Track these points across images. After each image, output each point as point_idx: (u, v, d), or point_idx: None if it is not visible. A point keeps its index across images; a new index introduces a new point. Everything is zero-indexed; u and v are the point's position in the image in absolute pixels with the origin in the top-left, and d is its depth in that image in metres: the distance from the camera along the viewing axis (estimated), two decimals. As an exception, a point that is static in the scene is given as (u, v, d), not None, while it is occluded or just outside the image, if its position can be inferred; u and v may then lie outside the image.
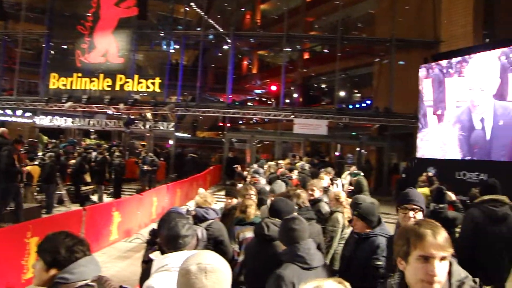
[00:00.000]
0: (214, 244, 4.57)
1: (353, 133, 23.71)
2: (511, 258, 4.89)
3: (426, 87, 16.78)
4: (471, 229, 4.83)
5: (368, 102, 25.47)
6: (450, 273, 1.88)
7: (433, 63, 16.80)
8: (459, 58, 15.34)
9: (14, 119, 24.98)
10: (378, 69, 23.26)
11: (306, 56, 32.20)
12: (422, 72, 17.05)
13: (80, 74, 21.82)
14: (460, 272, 1.88)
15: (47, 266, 2.20)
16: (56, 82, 21.95)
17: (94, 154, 17.17)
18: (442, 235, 1.88)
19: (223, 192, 12.30)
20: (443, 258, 1.85)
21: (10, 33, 23.84)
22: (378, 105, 20.70)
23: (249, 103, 30.59)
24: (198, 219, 4.74)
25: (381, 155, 21.61)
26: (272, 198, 5.20)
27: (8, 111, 24.01)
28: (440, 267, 1.84)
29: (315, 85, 34.31)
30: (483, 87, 14.32)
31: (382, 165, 20.65)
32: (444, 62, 15.82)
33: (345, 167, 16.92)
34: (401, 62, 21.18)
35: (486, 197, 4.93)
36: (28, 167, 12.30)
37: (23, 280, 6.43)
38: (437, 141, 16.27)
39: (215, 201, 5.31)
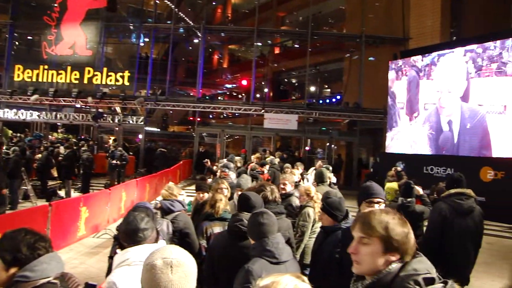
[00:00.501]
0: (180, 236, 4.55)
1: (323, 128, 23.90)
2: (476, 251, 5.02)
3: (398, 88, 17.06)
4: (439, 223, 4.92)
5: (338, 97, 25.72)
6: (403, 267, 1.90)
7: (399, 61, 17.11)
8: (428, 61, 15.69)
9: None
10: (348, 65, 23.49)
11: (277, 51, 32.27)
12: (391, 74, 17.34)
13: (46, 66, 21.33)
14: (417, 268, 1.87)
15: (6, 265, 2.12)
16: (21, 74, 21.39)
17: (62, 148, 16.84)
18: (369, 219, 1.94)
19: (193, 187, 12.25)
20: (362, 239, 1.93)
21: (-31, 22, 23.09)
22: (348, 101, 20.92)
23: (219, 98, 30.46)
24: (164, 211, 4.70)
25: (350, 150, 21.88)
26: (239, 193, 5.20)
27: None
28: (358, 247, 1.94)
29: (286, 80, 34.45)
30: (451, 89, 14.68)
31: (351, 160, 20.90)
32: (419, 64, 16.08)
33: (315, 162, 17.09)
34: (371, 58, 21.46)
35: (452, 190, 5.02)
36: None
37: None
38: (407, 140, 16.59)
39: (182, 194, 5.25)
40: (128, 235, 2.70)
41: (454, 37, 18.33)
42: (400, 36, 19.48)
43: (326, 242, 3.87)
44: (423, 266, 1.88)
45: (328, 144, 22.11)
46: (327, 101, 27.14)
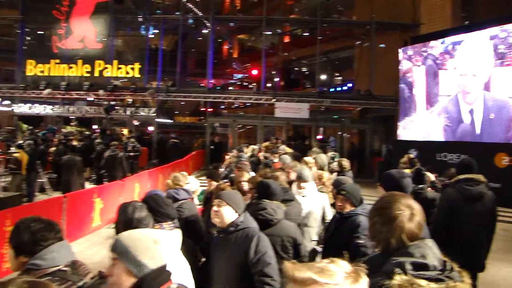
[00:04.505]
0: (186, 225, 4.57)
1: (335, 116, 23.82)
2: (489, 237, 4.92)
3: (414, 77, 16.74)
4: (446, 209, 4.85)
5: (350, 85, 25.56)
6: (397, 250, 1.95)
7: (410, 48, 16.87)
8: (442, 49, 15.31)
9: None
10: (359, 52, 23.29)
11: (286, 39, 32.10)
12: (406, 62, 17.01)
13: (58, 61, 21.52)
14: (411, 252, 1.89)
15: (15, 253, 2.20)
16: (33, 68, 21.62)
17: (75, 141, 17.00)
18: None
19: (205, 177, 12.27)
20: None
21: (-19, 19, 23.34)
22: (359, 88, 20.78)
23: (230, 88, 30.43)
24: None
25: (363, 138, 21.78)
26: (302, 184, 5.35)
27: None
28: None
29: (296, 68, 34.25)
30: (470, 79, 14.24)
31: (364, 148, 20.80)
32: (436, 52, 15.72)
33: (327, 151, 17.07)
34: (381, 45, 21.24)
35: (462, 176, 4.93)
36: (16, 154, 12.22)
37: (4, 268, 6.38)
38: (421, 130, 16.34)
39: (188, 183, 5.28)
40: (125, 226, 2.72)
41: (466, 22, 18.08)
42: (410, 22, 19.26)
43: (341, 228, 3.92)
44: (420, 251, 1.88)
45: (340, 132, 22.02)
46: (338, 89, 26.95)
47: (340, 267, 1.30)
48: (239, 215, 3.32)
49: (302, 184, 5.37)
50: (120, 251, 1.86)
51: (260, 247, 3.19)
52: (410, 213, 2.04)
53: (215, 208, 3.35)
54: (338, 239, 3.90)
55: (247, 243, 3.20)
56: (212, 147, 20.56)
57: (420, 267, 1.79)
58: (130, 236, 1.91)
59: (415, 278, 1.68)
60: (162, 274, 1.89)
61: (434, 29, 17.24)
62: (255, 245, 3.18)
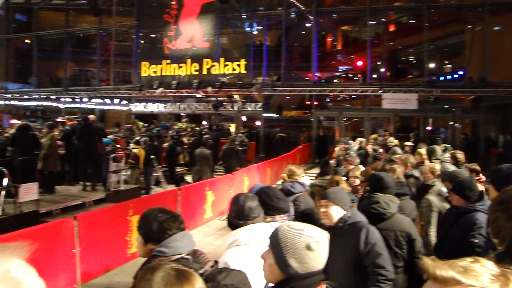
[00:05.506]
0: (302, 217, 4.57)
1: (445, 106, 22.58)
2: None
3: None
4: None
5: (461, 72, 24.09)
6: None
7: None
8: None
9: (112, 107, 26.82)
10: (470, 37, 21.83)
11: (391, 28, 31.00)
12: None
13: (168, 61, 22.66)
14: None
15: (144, 240, 2.37)
16: (147, 70, 22.97)
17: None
18: None
19: (313, 170, 12.33)
20: None
21: (104, 27, 25.30)
22: (472, 75, 19.46)
23: (335, 80, 30.03)
24: (285, 194, 4.76)
25: (476, 128, 20.41)
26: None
27: (107, 100, 25.73)
28: None
29: (403, 58, 32.99)
30: None
31: (478, 139, 19.46)
32: None
33: (438, 142, 16.23)
34: (496, 28, 19.68)
35: None
36: (135, 150, 13.24)
37: (129, 254, 6.91)
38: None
39: (303, 176, 5.27)
40: (236, 214, 2.83)
41: None
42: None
43: (457, 224, 3.71)
44: None
45: (451, 122, 20.84)
46: (449, 77, 25.51)
47: (485, 267, 1.18)
48: (346, 211, 3.34)
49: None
50: (272, 242, 1.91)
51: (369, 239, 3.20)
52: None
53: (323, 209, 3.39)
54: (452, 236, 3.71)
55: (357, 236, 3.22)
56: (316, 142, 20.43)
57: None
58: (286, 232, 1.90)
59: None
60: (311, 278, 1.85)
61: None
62: (365, 237, 3.20)
